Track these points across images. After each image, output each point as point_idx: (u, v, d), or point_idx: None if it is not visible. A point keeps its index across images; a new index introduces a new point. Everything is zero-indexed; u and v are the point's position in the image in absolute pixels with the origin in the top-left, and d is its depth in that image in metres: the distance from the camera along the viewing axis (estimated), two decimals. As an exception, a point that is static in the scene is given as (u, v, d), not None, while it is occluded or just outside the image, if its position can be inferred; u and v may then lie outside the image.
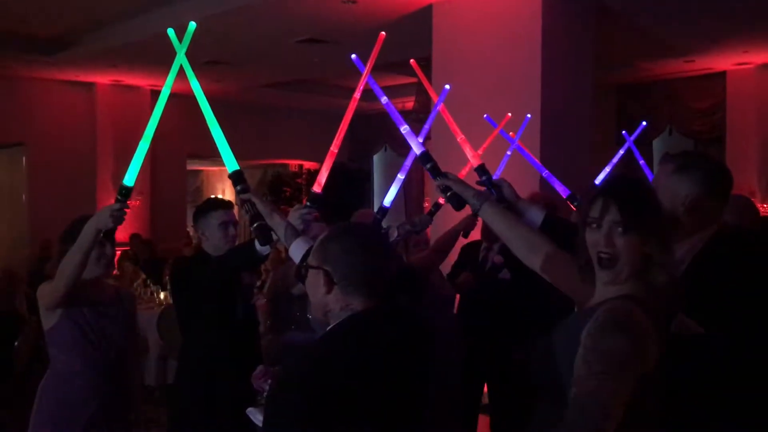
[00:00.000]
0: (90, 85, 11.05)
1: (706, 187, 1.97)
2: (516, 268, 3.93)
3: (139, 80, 10.90)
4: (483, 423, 4.47)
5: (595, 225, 1.60)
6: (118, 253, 9.48)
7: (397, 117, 2.32)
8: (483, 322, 4.15)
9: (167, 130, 10.81)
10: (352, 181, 10.81)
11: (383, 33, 2.42)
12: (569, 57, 5.71)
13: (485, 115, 3.39)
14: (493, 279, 4.13)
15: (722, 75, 9.62)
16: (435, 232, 4.98)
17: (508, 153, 3.91)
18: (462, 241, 3.94)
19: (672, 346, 1.67)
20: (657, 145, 10.26)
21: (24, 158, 10.84)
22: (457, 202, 2.08)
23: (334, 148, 2.33)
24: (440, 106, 2.62)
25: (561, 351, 1.57)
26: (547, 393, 1.65)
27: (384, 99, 2.36)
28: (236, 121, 12.58)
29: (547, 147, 5.32)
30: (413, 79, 8.86)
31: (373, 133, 12.97)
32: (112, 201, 8.59)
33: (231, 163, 2.23)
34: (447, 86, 2.83)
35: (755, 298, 1.81)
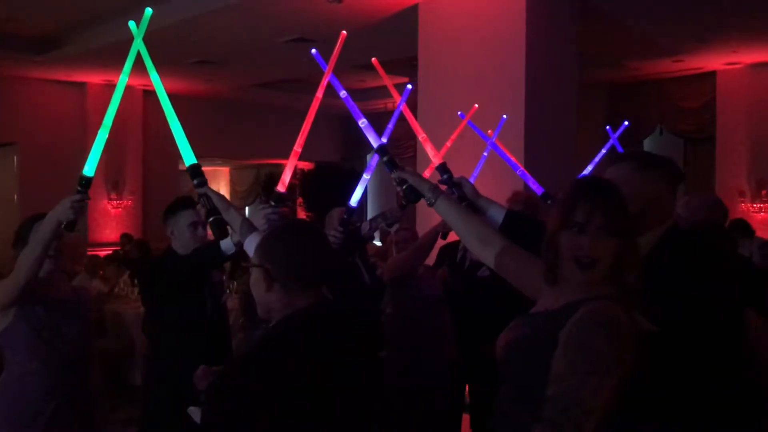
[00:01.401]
0: (81, 85, 11.06)
1: (669, 184, 1.99)
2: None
3: (131, 80, 10.73)
4: (464, 421, 4.48)
5: (577, 229, 1.61)
6: (107, 253, 9.49)
7: (355, 111, 2.32)
8: (463, 321, 4.15)
9: (159, 130, 10.90)
10: (342, 180, 10.82)
11: (344, 32, 2.42)
12: (554, 56, 5.72)
13: (459, 112, 3.39)
14: (471, 277, 4.13)
15: (712, 75, 9.65)
16: (420, 229, 4.99)
17: (485, 154, 3.91)
18: (440, 242, 3.95)
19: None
20: (647, 145, 10.28)
21: (15, 158, 10.85)
22: (413, 195, 2.08)
23: (298, 147, 2.34)
24: (403, 106, 2.61)
25: (526, 345, 1.58)
26: (510, 381, 1.65)
27: (343, 93, 2.37)
28: (229, 121, 12.61)
29: (532, 146, 5.32)
30: (404, 79, 8.88)
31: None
32: (105, 201, 8.63)
33: (188, 157, 2.23)
34: (409, 86, 2.84)
35: (708, 294, 1.82)
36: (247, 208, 15.10)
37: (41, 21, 8.32)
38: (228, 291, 5.08)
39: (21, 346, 2.70)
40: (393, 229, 4.25)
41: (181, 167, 13.06)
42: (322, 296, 1.68)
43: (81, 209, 2.33)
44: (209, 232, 3.08)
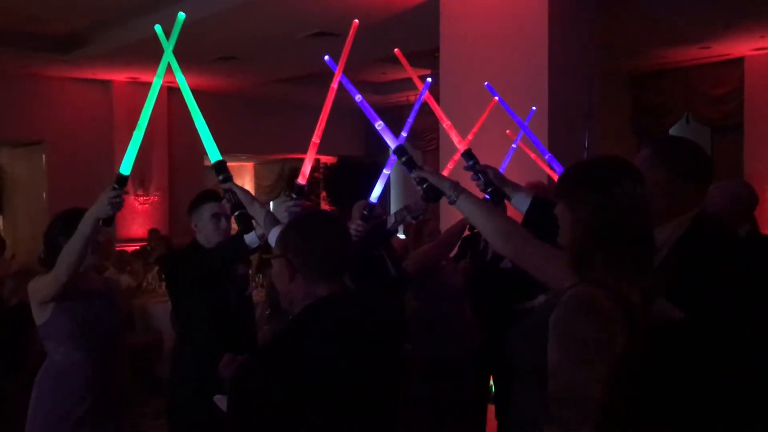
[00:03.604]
0: (107, 83, 11.18)
1: (681, 172, 1.95)
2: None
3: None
4: (489, 412, 4.49)
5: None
6: (135, 248, 9.61)
7: (371, 114, 2.34)
8: (485, 312, 4.16)
9: (184, 127, 10.97)
10: (365, 173, 10.83)
11: (356, 21, 2.43)
12: (576, 46, 5.66)
13: (486, 83, 3.34)
14: (494, 269, 4.14)
15: (739, 61, 9.47)
16: (443, 224, 4.99)
17: (514, 146, 3.89)
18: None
19: (653, 331, 1.68)
20: (671, 134, 10.15)
21: (43, 156, 11.01)
22: (433, 194, 2.09)
23: (316, 138, 2.36)
24: (426, 96, 2.61)
25: (536, 334, 1.59)
26: (525, 374, 1.66)
27: (358, 97, 2.38)
28: (252, 116, 12.67)
29: (555, 137, 5.28)
30: (426, 71, 8.86)
31: (390, 127, 12.93)
32: (132, 197, 8.76)
33: (213, 154, 2.27)
34: (429, 78, 2.83)
35: (737, 283, 1.80)
36: (271, 203, 15.18)
37: (66, 20, 8.42)
38: (254, 284, 5.13)
39: (62, 338, 2.79)
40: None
41: (206, 163, 13.18)
42: (343, 286, 1.70)
43: (118, 205, 2.41)
44: (233, 223, 3.14)
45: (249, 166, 17.08)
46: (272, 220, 2.17)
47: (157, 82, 2.27)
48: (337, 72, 2.36)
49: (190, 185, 11.81)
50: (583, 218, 1.59)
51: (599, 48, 6.01)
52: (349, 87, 2.38)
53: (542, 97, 5.29)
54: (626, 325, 1.48)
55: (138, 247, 9.83)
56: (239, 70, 10.06)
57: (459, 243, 4.30)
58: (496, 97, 3.22)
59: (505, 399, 4.29)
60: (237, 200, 2.25)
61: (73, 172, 10.67)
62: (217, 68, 9.65)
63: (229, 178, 2.28)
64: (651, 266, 1.62)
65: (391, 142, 2.26)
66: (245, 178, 17.09)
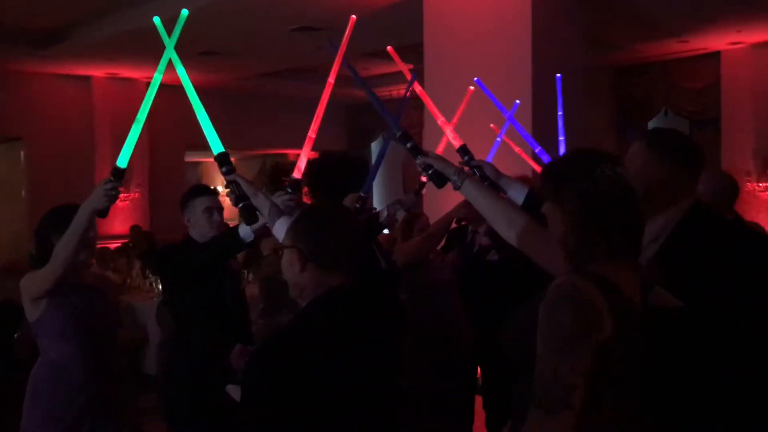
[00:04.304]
0: (86, 79, 11.07)
1: (675, 162, 1.99)
2: (503, 250, 3.98)
3: (135, 72, 10.91)
4: (477, 403, 4.53)
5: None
6: (117, 245, 9.54)
7: (378, 102, 2.35)
8: (473, 304, 4.19)
9: (165, 122, 10.91)
10: (347, 168, 10.83)
11: (354, 16, 2.45)
12: (560, 39, 5.72)
13: (476, 78, 3.38)
14: (481, 261, 4.17)
15: (716, 55, 9.61)
16: (433, 216, 5.02)
17: (499, 139, 3.93)
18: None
19: (650, 319, 1.71)
20: (653, 126, 10.28)
21: (22, 153, 10.89)
22: (439, 180, 2.11)
23: (312, 133, 2.38)
24: (414, 87, 2.64)
25: (529, 326, 1.62)
26: (522, 368, 1.68)
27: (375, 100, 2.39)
28: (234, 111, 12.61)
29: (540, 130, 5.34)
30: (409, 66, 8.88)
31: (371, 121, 12.97)
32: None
33: (216, 146, 2.27)
34: (408, 73, 2.85)
35: (734, 271, 1.84)
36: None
37: (45, 15, 8.32)
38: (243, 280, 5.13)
39: (56, 334, 2.78)
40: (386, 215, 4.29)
41: (187, 159, 13.10)
42: (353, 277, 1.72)
43: (114, 197, 2.41)
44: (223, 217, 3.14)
45: (230, 161, 16.98)
46: (277, 211, 2.18)
47: (158, 77, 2.27)
48: (334, 66, 2.38)
49: (171, 181, 11.75)
50: (569, 210, 1.61)
51: (583, 41, 6.07)
52: (359, 79, 2.40)
53: (526, 90, 5.34)
54: (612, 315, 1.50)
55: (120, 244, 9.76)
56: (221, 65, 10.01)
57: (447, 235, 4.32)
58: (485, 91, 3.25)
59: (492, 390, 4.34)
60: (241, 191, 2.25)
61: (53, 169, 10.57)
62: (199, 63, 9.58)
63: (232, 169, 2.28)
64: (639, 249, 1.64)
65: (396, 130, 2.28)
66: (226, 173, 16.99)
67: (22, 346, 5.23)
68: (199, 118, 2.25)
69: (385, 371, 1.73)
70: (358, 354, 1.65)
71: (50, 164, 10.63)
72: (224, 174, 2.27)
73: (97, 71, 10.81)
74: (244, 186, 2.27)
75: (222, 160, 2.26)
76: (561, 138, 3.42)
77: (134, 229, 9.99)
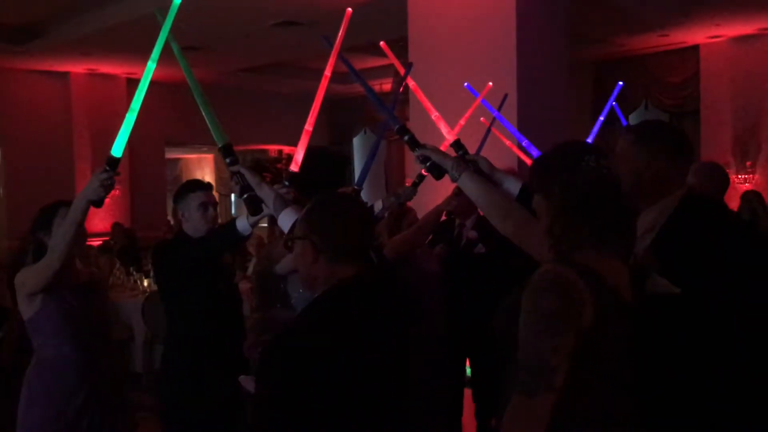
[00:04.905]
0: (64, 75, 10.94)
1: (667, 154, 2.01)
2: (490, 242, 4.01)
3: (115, 68, 10.79)
4: (465, 396, 4.55)
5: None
6: (98, 243, 9.45)
7: (375, 97, 2.35)
8: (461, 297, 4.21)
9: (145, 119, 10.73)
10: (332, 163, 10.83)
11: (350, 9, 2.45)
12: (544, 32, 5.74)
13: (466, 84, 3.41)
14: (468, 254, 4.20)
15: (695, 48, 9.72)
16: (421, 210, 5.03)
17: (488, 133, 3.95)
18: None
19: (647, 305, 1.74)
20: (633, 120, 10.36)
21: (0, 150, 10.73)
22: (437, 172, 2.12)
23: (309, 126, 2.37)
24: (407, 81, 2.65)
25: (517, 313, 1.64)
26: (512, 356, 1.70)
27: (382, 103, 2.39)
28: (214, 107, 12.51)
29: (525, 123, 5.36)
30: (391, 61, 8.87)
31: (352, 116, 12.95)
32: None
33: (220, 138, 2.26)
34: (399, 68, 2.87)
35: (728, 258, 1.87)
36: (232, 196, 15.05)
37: (21, 10, 8.20)
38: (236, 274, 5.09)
39: (51, 331, 2.76)
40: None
41: (168, 155, 12.99)
42: (365, 267, 1.72)
43: (110, 187, 2.38)
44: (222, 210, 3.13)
45: (209, 157, 16.89)
46: (282, 202, 2.17)
47: (151, 66, 2.25)
48: (330, 59, 2.38)
49: (151, 178, 11.66)
50: (555, 201, 1.65)
51: (566, 34, 6.10)
52: (355, 73, 2.40)
53: (511, 82, 5.35)
54: (594, 301, 1.54)
55: (101, 242, 9.67)
56: (201, 60, 9.93)
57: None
58: (475, 94, 3.28)
59: (481, 382, 4.37)
60: (246, 183, 2.25)
61: (32, 167, 10.43)
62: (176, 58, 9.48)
63: (236, 160, 2.28)
64: (629, 239, 1.67)
65: (393, 123, 2.28)
66: (205, 170, 16.90)
67: (6, 346, 5.18)
68: (202, 110, 2.24)
69: (397, 360, 1.73)
70: (371, 344, 1.66)
71: (28, 162, 10.50)
72: (228, 165, 2.27)
73: (75, 67, 10.69)
74: (249, 177, 2.26)
75: (226, 152, 2.26)
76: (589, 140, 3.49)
77: (116, 226, 9.90)
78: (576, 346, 1.51)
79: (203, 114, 2.24)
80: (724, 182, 3.48)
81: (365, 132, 13.32)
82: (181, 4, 2.26)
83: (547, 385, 1.49)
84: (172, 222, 10.38)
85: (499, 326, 1.77)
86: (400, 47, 6.81)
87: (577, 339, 1.51)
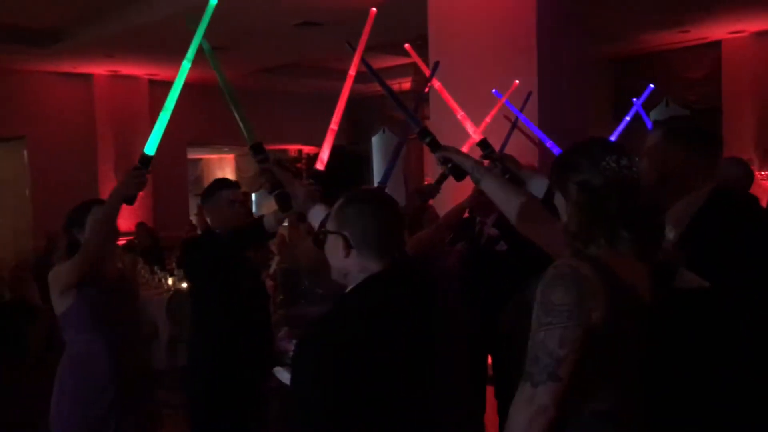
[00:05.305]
0: (87, 77, 11.08)
1: (697, 149, 2.03)
2: (512, 240, 4.02)
3: (137, 70, 10.92)
4: (488, 392, 4.56)
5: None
6: (122, 242, 9.56)
7: (394, 97, 2.38)
8: (482, 294, 4.22)
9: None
10: (350, 163, 10.86)
11: (374, 9, 2.48)
12: (564, 30, 5.74)
13: (493, 90, 3.43)
14: (489, 251, 4.21)
15: (717, 44, 9.64)
16: (441, 208, 5.05)
17: (515, 126, 3.97)
18: None
19: (674, 301, 1.74)
20: (653, 117, 10.28)
21: (25, 152, 10.90)
22: (458, 174, 2.14)
23: (334, 125, 2.41)
24: (433, 81, 2.68)
25: (527, 308, 1.65)
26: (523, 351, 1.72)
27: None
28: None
29: (545, 121, 5.36)
30: (409, 60, 8.88)
31: (370, 115, 12.98)
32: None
33: (251, 137, 2.31)
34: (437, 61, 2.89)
35: (758, 254, 1.88)
36: (253, 195, 15.13)
37: (45, 13, 8.32)
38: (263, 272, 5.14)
39: (83, 326, 2.81)
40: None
41: (189, 155, 13.08)
42: (396, 261, 1.76)
43: (143, 184, 2.44)
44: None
45: (230, 158, 17.01)
46: (312, 199, 2.22)
47: (186, 65, 2.31)
48: (355, 59, 2.41)
49: (173, 178, 11.77)
50: (574, 199, 1.66)
51: (585, 31, 6.10)
52: (375, 75, 2.43)
53: (531, 80, 5.36)
54: (607, 295, 1.54)
55: (125, 241, 9.78)
56: (223, 60, 9.98)
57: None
58: (502, 98, 3.30)
59: (503, 379, 4.37)
60: (276, 180, 2.29)
61: (56, 167, 10.59)
62: (200, 59, 9.56)
63: (267, 158, 2.33)
64: (650, 239, 1.66)
65: (414, 125, 2.31)
66: (226, 169, 17.01)
67: (34, 345, 5.27)
68: (234, 111, 2.29)
69: (425, 354, 1.77)
70: (402, 337, 1.69)
71: (53, 162, 10.65)
72: (259, 163, 2.32)
73: (98, 69, 10.82)
74: (279, 174, 2.31)
75: (257, 150, 2.30)
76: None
77: (140, 226, 10.01)
78: (585, 341, 1.51)
79: (234, 113, 2.29)
80: (748, 178, 3.48)
81: (384, 131, 13.34)
82: (203, 5, 2.32)
83: (550, 375, 1.49)
84: (194, 222, 10.48)
85: (507, 322, 1.79)
86: (419, 46, 6.83)
87: (586, 334, 1.51)
